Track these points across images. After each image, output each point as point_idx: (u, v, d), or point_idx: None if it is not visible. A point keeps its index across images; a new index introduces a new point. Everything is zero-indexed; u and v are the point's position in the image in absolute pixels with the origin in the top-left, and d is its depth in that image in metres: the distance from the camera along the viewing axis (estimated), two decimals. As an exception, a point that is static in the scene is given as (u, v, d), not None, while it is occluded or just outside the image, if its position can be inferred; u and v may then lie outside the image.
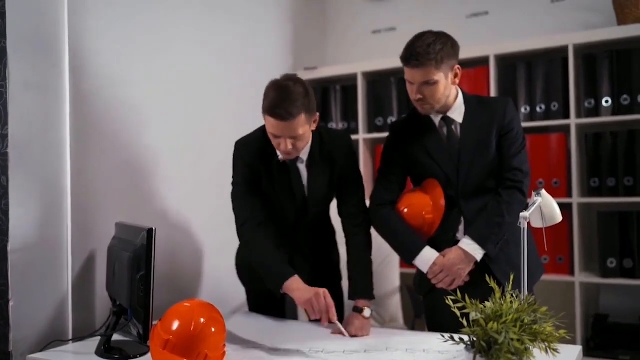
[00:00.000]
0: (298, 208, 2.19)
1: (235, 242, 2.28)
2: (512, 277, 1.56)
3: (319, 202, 2.21)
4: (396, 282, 3.00)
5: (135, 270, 1.81)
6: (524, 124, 2.95)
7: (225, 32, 2.89)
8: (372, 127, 3.46)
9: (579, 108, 2.99)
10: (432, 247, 2.10)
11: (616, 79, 2.90)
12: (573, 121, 2.95)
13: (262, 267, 2.08)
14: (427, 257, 2.06)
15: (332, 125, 3.54)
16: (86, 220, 2.17)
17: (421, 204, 2.10)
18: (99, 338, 1.93)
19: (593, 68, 2.95)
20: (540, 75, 3.06)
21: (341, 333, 2.01)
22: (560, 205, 1.84)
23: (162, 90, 2.50)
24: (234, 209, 2.17)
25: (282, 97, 1.93)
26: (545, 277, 2.91)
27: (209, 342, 1.63)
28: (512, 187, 2.05)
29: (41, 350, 1.93)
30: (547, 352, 1.42)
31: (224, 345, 1.72)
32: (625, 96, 2.88)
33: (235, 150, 2.18)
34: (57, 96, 2.09)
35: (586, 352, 2.84)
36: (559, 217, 1.81)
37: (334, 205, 2.28)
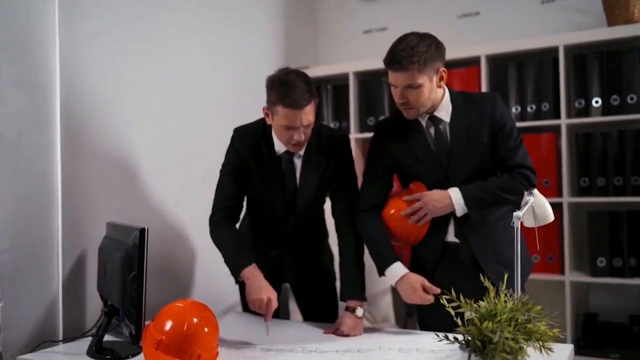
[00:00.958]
0: (287, 202, 2.18)
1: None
2: (506, 275, 1.56)
3: (309, 197, 2.19)
4: (388, 282, 2.99)
5: (127, 270, 1.80)
6: (515, 124, 2.96)
7: (216, 32, 2.88)
8: (363, 127, 3.46)
9: (569, 108, 3.01)
10: (422, 249, 2.09)
11: (606, 80, 2.92)
12: (563, 121, 2.97)
13: (224, 252, 2.14)
14: (396, 272, 2.04)
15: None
16: (77, 219, 2.15)
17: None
18: (90, 338, 1.92)
19: (583, 68, 2.97)
20: (530, 76, 3.08)
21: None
22: (551, 204, 1.84)
23: (154, 90, 2.49)
24: (214, 193, 2.20)
25: (293, 85, 1.94)
26: (536, 276, 2.94)
27: (202, 342, 1.63)
28: (523, 182, 1.98)
29: (31, 351, 1.91)
30: (541, 351, 1.43)
31: (217, 345, 1.71)
32: (615, 96, 2.90)
33: (232, 136, 2.20)
34: (47, 96, 2.07)
35: (576, 350, 2.86)
36: (551, 217, 1.81)
37: (330, 207, 2.28)
